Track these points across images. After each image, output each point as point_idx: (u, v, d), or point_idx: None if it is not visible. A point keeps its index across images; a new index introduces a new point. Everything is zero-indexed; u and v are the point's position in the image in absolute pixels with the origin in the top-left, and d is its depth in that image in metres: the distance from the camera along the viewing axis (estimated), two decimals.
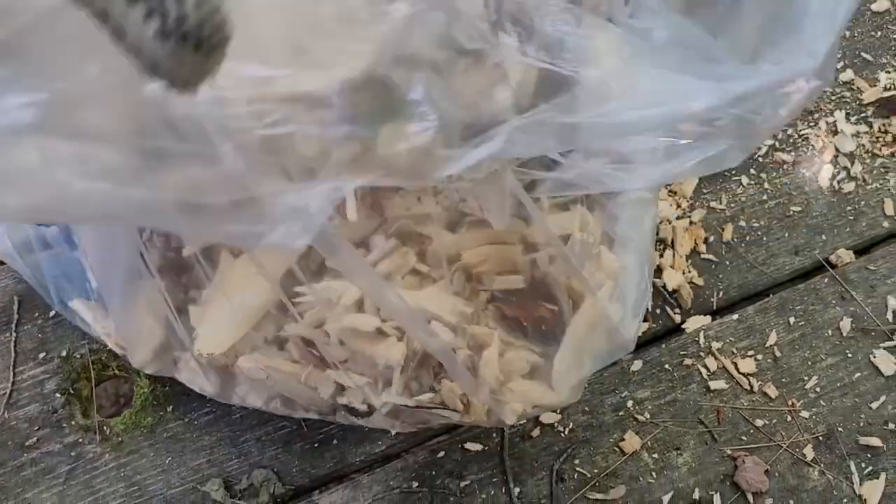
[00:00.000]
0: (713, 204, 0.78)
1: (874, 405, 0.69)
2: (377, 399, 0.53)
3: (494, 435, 0.68)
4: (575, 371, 0.54)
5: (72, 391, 0.70)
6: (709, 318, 0.73)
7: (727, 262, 0.76)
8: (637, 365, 0.71)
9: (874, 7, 0.88)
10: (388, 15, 0.33)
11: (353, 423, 0.57)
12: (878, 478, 0.66)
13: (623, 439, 0.68)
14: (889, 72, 0.85)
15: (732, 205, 0.78)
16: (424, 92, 0.33)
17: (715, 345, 0.71)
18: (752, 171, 0.80)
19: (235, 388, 0.60)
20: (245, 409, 0.69)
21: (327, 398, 0.55)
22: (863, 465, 0.67)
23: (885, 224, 0.77)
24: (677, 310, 0.74)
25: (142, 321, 0.57)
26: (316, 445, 0.68)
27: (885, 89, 0.84)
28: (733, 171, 0.80)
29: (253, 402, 0.59)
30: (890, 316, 0.72)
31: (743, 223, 0.78)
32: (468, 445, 0.68)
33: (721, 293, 0.74)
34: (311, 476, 0.68)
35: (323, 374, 0.54)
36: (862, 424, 0.68)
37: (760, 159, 0.81)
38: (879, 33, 0.87)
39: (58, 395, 0.70)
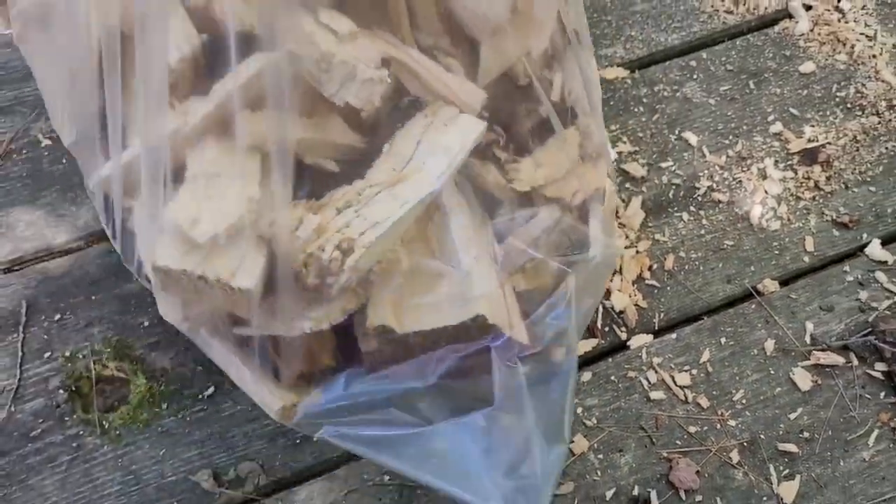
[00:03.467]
0: (657, 236, 0.88)
1: (792, 416, 0.78)
2: None
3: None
4: None
5: (74, 388, 0.77)
6: (651, 336, 0.83)
7: (668, 288, 0.86)
8: (587, 376, 0.80)
9: (801, 69, 1.01)
10: None
11: None
12: (793, 479, 0.75)
13: (573, 441, 0.76)
14: (813, 125, 0.97)
15: (674, 237, 0.89)
16: None
17: (655, 360, 0.81)
18: (692, 208, 0.91)
19: None
20: (235, 406, 0.77)
21: None
22: (781, 468, 0.76)
23: (806, 259, 0.88)
24: (623, 328, 0.83)
25: None
26: (298, 442, 0.76)
27: (809, 141, 0.95)
28: (675, 208, 0.90)
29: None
30: (808, 339, 0.83)
31: (683, 254, 0.88)
32: None
33: (662, 315, 0.84)
34: (293, 469, 0.75)
35: None
36: (781, 433, 0.78)
37: (699, 198, 0.91)
38: (805, 91, 0.99)
39: (61, 391, 0.77)
